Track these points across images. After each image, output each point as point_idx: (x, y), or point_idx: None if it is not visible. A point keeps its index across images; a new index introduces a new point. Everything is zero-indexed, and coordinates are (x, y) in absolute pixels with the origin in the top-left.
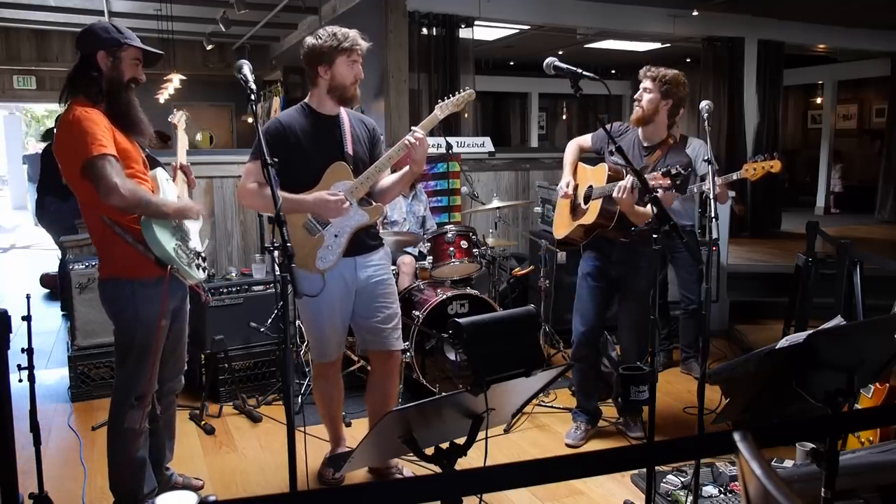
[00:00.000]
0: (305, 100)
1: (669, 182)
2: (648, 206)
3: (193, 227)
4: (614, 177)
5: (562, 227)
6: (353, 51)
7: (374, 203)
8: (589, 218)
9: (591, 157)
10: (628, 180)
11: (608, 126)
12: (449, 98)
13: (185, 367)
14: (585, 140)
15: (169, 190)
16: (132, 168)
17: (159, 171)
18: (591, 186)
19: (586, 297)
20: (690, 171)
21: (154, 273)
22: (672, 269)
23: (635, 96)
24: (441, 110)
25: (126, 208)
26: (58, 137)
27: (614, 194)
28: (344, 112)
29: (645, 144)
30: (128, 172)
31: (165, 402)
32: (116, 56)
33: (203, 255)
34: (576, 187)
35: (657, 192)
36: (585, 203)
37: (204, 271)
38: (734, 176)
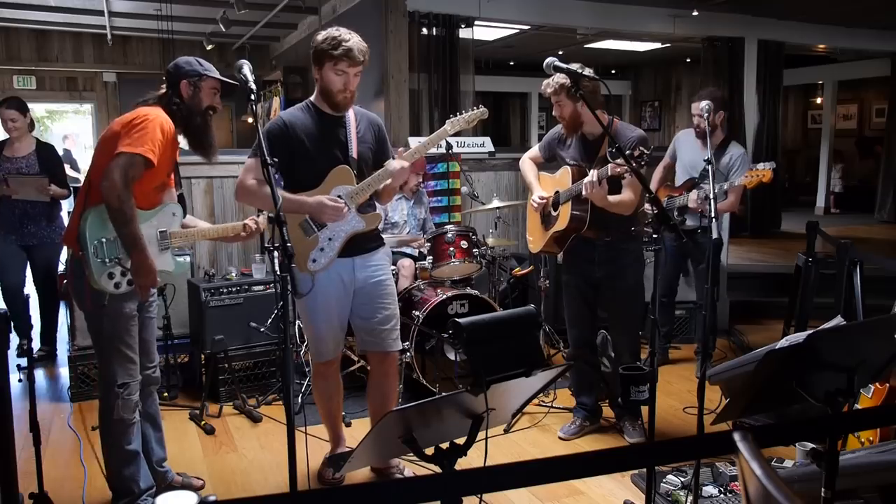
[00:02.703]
0: (311, 98)
1: (635, 165)
2: (627, 191)
3: (158, 262)
4: (578, 176)
5: (536, 239)
6: (340, 60)
7: (374, 210)
8: (561, 224)
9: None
10: (592, 175)
11: (559, 128)
12: (461, 114)
13: (157, 362)
14: (534, 153)
15: (165, 219)
16: (148, 186)
17: (170, 206)
18: (557, 192)
19: (574, 304)
20: (732, 159)
21: None
22: (691, 268)
23: (556, 116)
24: (451, 126)
25: (106, 199)
26: (125, 117)
27: (583, 193)
28: (351, 111)
29: (589, 139)
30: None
31: (144, 393)
32: (197, 85)
33: (132, 282)
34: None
35: (624, 177)
36: (555, 210)
37: (116, 288)
38: (736, 182)
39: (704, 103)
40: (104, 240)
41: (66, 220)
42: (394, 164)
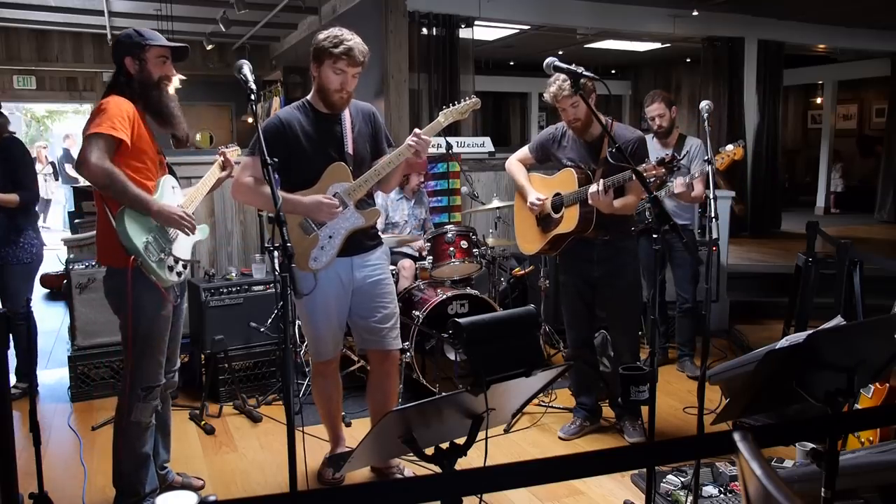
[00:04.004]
0: (308, 97)
1: (664, 170)
2: (630, 195)
3: (188, 236)
4: (585, 180)
5: (532, 241)
6: (340, 59)
7: (373, 205)
8: (568, 225)
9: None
10: (600, 184)
11: (554, 129)
12: (453, 105)
13: (178, 366)
14: (523, 154)
15: (168, 197)
16: (144, 164)
17: (167, 179)
18: (559, 194)
19: (571, 305)
20: (691, 151)
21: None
22: (669, 267)
23: (568, 120)
24: (445, 117)
25: (95, 184)
26: (89, 120)
27: (590, 200)
28: (346, 108)
29: (588, 140)
30: (139, 165)
31: (160, 397)
32: (141, 58)
33: (185, 262)
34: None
35: (655, 179)
36: (556, 212)
37: (179, 276)
38: (697, 173)
39: (704, 103)
40: (147, 240)
41: (35, 234)
42: (412, 138)
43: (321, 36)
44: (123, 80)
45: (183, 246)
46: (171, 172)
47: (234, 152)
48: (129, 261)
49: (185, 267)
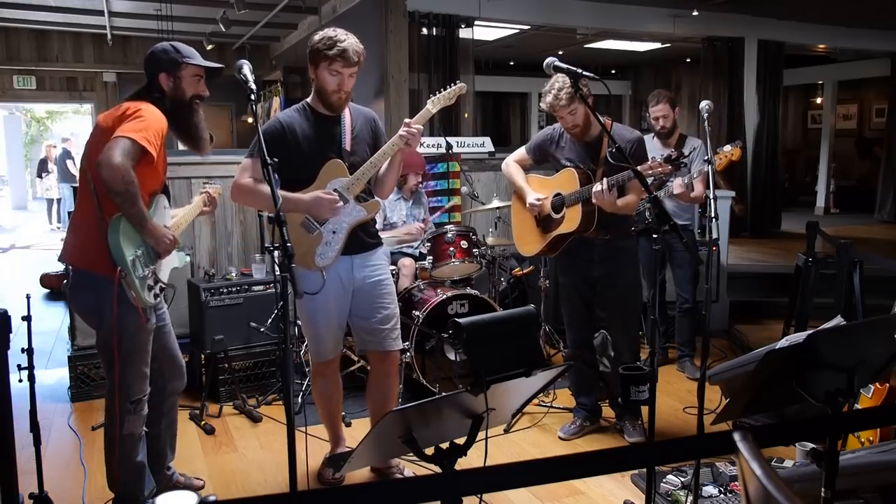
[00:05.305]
0: (308, 99)
1: (671, 168)
2: (631, 194)
3: (168, 260)
4: (586, 180)
5: (531, 242)
6: (335, 61)
7: (371, 199)
8: (570, 225)
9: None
10: (604, 182)
11: (552, 130)
12: (441, 92)
13: (184, 365)
14: (520, 155)
15: (159, 216)
16: (151, 178)
17: (161, 198)
18: (559, 194)
19: (571, 305)
20: (693, 152)
21: None
22: (669, 267)
23: (567, 126)
24: (433, 104)
25: (110, 185)
26: (113, 114)
27: (594, 199)
28: (347, 110)
29: (587, 140)
30: (145, 179)
31: (168, 403)
32: (177, 76)
33: (164, 286)
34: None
35: (655, 179)
36: (557, 212)
37: (156, 298)
38: (696, 173)
39: (704, 103)
40: (137, 254)
41: None
42: (403, 129)
43: (316, 38)
44: (157, 96)
45: (164, 269)
46: (165, 192)
47: (217, 189)
48: (114, 270)
49: (161, 290)
